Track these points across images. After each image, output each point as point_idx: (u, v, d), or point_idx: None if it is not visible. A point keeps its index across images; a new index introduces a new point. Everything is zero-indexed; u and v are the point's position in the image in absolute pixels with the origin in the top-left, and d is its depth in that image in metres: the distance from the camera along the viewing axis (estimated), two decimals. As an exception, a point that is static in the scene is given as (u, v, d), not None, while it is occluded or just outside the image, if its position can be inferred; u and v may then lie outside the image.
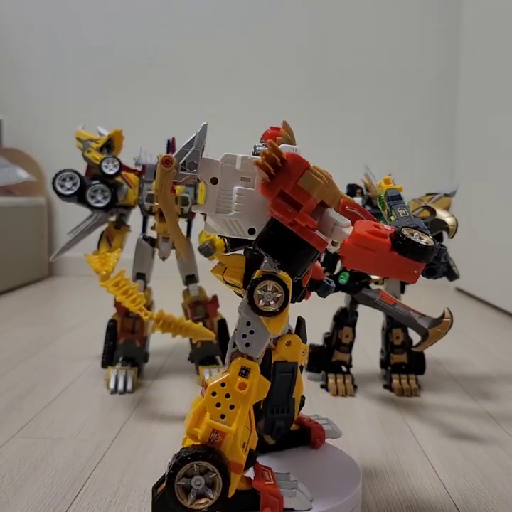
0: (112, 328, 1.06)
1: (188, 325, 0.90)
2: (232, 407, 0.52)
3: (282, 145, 0.53)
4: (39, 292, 2.11)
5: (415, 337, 0.89)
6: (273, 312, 0.51)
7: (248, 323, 0.53)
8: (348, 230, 0.51)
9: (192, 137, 0.52)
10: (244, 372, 0.53)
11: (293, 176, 0.50)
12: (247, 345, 0.53)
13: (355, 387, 1.03)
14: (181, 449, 0.52)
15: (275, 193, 0.50)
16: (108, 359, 1.06)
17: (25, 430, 0.84)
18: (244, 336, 0.53)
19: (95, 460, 0.74)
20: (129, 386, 1.01)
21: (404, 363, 1.05)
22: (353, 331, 1.05)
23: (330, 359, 1.05)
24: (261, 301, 0.51)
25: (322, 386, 1.04)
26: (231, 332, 1.05)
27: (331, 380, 1.03)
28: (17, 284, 2.16)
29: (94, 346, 1.26)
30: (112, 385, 1.01)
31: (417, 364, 1.05)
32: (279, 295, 0.51)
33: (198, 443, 0.52)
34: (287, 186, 0.50)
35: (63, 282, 2.35)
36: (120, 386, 1.01)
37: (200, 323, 0.91)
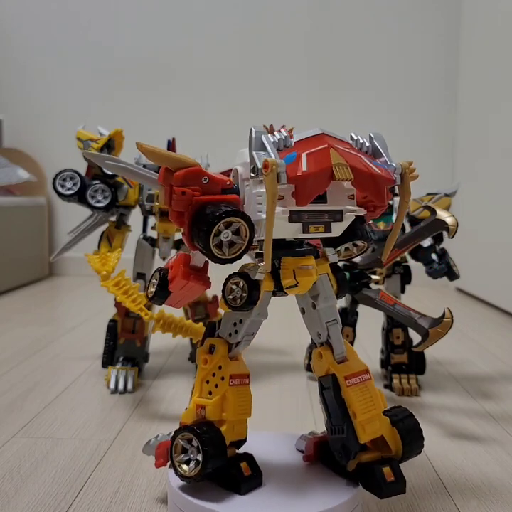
0: (112, 328, 1.06)
1: (189, 325, 0.90)
2: None
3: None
4: (39, 292, 2.11)
5: (415, 337, 0.89)
6: None
7: None
8: None
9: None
10: None
11: None
12: None
13: (355, 387, 1.03)
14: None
15: None
16: (108, 359, 1.06)
17: (25, 430, 0.84)
18: None
19: (96, 460, 0.74)
20: (130, 386, 1.01)
21: (405, 363, 1.05)
22: (354, 331, 1.05)
23: (330, 359, 1.04)
24: None
25: (322, 386, 1.04)
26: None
27: (331, 380, 1.02)
28: (17, 284, 2.16)
29: (94, 346, 1.26)
30: (112, 385, 1.01)
31: (417, 364, 1.05)
32: None
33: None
34: None
35: (64, 282, 2.35)
36: (120, 386, 1.01)
37: (201, 324, 0.92)
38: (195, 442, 0.56)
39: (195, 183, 0.52)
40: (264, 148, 0.51)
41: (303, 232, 0.53)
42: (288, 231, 0.53)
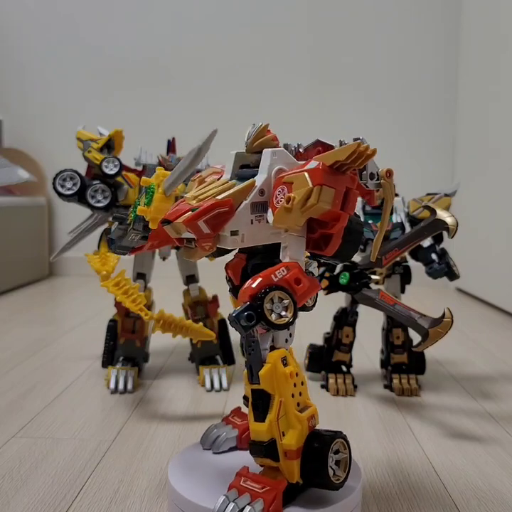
0: (112, 328, 1.06)
1: (189, 325, 0.90)
2: None
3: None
4: (39, 292, 2.11)
5: (415, 337, 0.89)
6: None
7: None
8: None
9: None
10: None
11: None
12: None
13: (355, 387, 1.03)
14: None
15: None
16: (108, 359, 1.06)
17: (25, 430, 0.84)
18: None
19: (96, 460, 0.75)
20: (130, 386, 1.01)
21: (405, 363, 1.05)
22: (354, 331, 1.05)
23: (330, 359, 1.05)
24: None
25: (322, 386, 1.04)
26: (231, 332, 1.05)
27: (331, 380, 1.03)
28: (17, 284, 2.16)
29: (94, 346, 1.26)
30: (112, 385, 1.01)
31: (417, 364, 1.05)
32: None
33: None
34: None
35: (64, 282, 2.35)
36: (120, 386, 1.01)
37: (201, 323, 0.91)
38: (340, 445, 0.57)
39: None
40: None
41: None
42: None
